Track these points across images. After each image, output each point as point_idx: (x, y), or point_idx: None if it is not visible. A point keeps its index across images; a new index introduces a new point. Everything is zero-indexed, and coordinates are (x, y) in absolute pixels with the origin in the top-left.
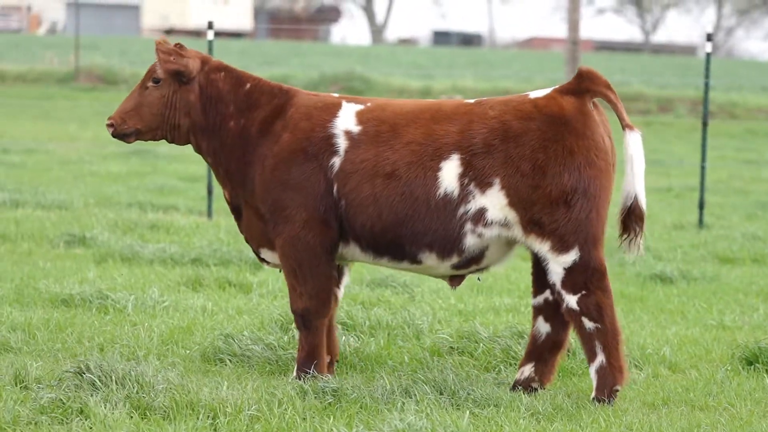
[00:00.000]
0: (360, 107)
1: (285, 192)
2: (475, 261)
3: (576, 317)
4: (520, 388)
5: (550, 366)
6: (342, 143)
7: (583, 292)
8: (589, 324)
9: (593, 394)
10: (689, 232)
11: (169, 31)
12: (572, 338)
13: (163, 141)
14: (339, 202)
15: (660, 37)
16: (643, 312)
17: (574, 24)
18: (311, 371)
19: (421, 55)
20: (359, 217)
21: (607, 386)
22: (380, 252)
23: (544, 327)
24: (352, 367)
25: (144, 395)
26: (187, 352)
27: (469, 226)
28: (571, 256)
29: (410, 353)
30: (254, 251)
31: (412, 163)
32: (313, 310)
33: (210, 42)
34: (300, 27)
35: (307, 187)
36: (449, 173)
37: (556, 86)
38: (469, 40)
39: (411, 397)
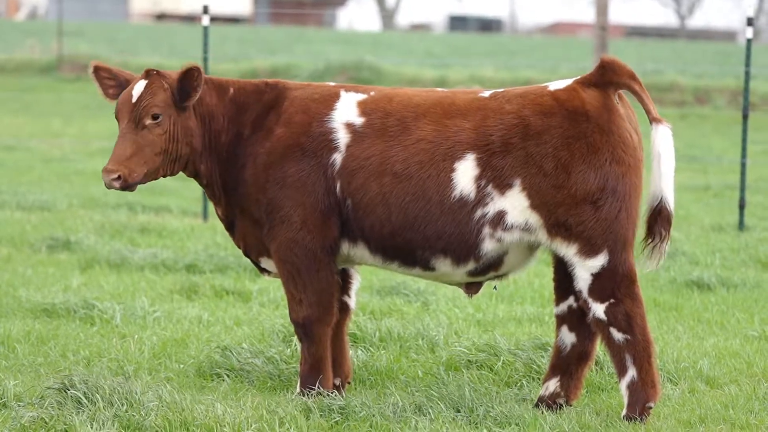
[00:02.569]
0: (362, 97)
1: (281, 191)
2: (493, 267)
3: (604, 328)
4: (544, 404)
5: (577, 380)
6: (343, 137)
7: (612, 300)
8: (618, 335)
9: (624, 412)
10: (729, 234)
11: (161, 17)
12: (600, 350)
13: None
14: (344, 202)
15: (697, 21)
16: (678, 322)
17: (602, 7)
18: (316, 386)
19: (435, 43)
20: (368, 218)
21: (639, 403)
22: (390, 256)
23: (568, 337)
24: (360, 383)
25: (134, 414)
26: (181, 366)
27: (487, 230)
28: (600, 261)
29: (424, 367)
30: (254, 262)
31: (423, 162)
32: (314, 318)
33: (205, 28)
34: (304, 11)
35: (306, 185)
36: (465, 174)
37: (577, 77)
38: (488, 26)
39: (425, 415)
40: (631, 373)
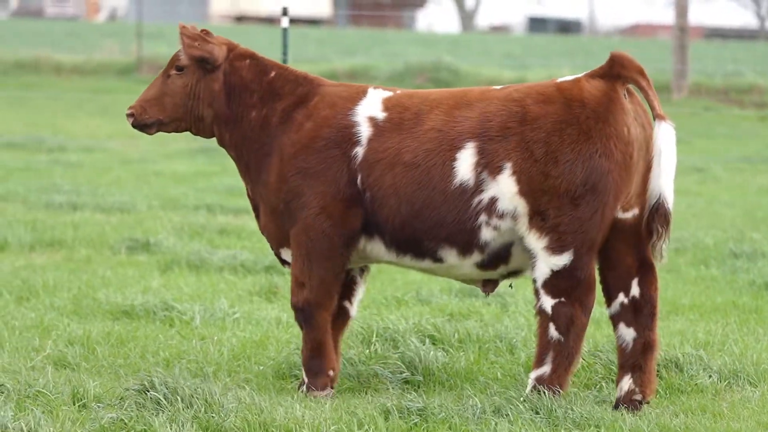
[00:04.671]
0: (387, 94)
1: (303, 180)
2: (502, 261)
3: (545, 320)
4: (623, 406)
5: (648, 372)
6: (365, 131)
7: (562, 299)
8: (554, 333)
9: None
10: None
11: (240, 18)
12: (679, 354)
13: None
14: (364, 194)
15: None
16: (758, 324)
17: (682, 9)
18: (319, 371)
19: (514, 44)
20: (382, 210)
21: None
22: (402, 248)
23: (628, 333)
24: (439, 384)
25: (213, 415)
26: (260, 368)
27: (483, 217)
28: (564, 260)
29: (503, 369)
30: (275, 252)
31: (430, 150)
32: (314, 302)
33: (284, 30)
34: (383, 13)
35: (327, 175)
36: (464, 162)
37: (588, 71)
38: (567, 27)
39: (504, 417)
40: (546, 369)
